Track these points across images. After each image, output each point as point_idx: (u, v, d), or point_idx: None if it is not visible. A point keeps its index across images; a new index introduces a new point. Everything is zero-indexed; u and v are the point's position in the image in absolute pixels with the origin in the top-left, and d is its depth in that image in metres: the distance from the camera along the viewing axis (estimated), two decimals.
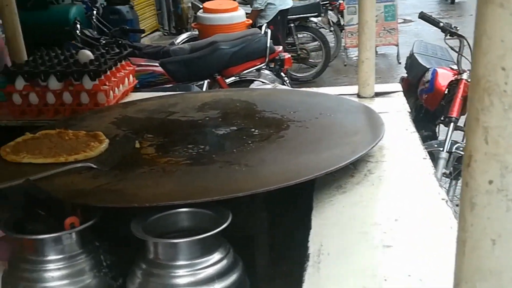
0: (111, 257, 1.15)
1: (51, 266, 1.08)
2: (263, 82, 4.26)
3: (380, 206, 1.25)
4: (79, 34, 4.96)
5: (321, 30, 7.53)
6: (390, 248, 1.06)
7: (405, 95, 2.25)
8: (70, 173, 1.35)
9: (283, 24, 6.93)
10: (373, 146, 1.42)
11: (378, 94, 2.02)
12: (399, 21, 8.48)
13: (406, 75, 4.48)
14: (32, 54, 2.17)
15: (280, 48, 4.81)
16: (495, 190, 0.46)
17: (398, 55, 7.85)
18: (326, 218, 1.21)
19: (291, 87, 5.19)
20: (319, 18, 7.52)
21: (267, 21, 6.47)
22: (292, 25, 7.23)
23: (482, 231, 0.47)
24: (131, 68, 2.29)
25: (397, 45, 7.86)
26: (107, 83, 2.02)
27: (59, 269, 1.08)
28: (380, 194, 1.30)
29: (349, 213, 1.22)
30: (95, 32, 5.42)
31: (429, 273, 0.97)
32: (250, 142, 1.52)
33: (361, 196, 1.29)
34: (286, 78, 4.77)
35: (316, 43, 7.47)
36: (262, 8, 6.62)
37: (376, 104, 1.86)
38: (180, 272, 1.05)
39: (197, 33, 6.31)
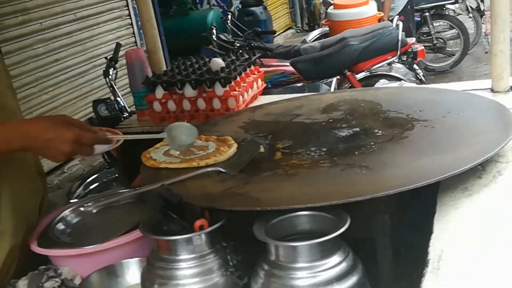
0: (237, 257, 1.22)
1: (183, 264, 1.18)
2: (391, 77, 4.17)
3: (509, 212, 1.19)
4: (215, 39, 5.20)
5: (459, 17, 7.16)
6: None
7: None
8: (201, 177, 1.45)
9: (413, 13, 6.69)
10: (503, 146, 1.35)
11: None
12: None
13: None
14: (175, 60, 2.34)
15: (413, 40, 4.68)
16: None
17: None
18: (449, 222, 1.18)
19: (426, 78, 5.02)
20: (457, 5, 7.15)
21: (396, 12, 6.29)
22: (427, 14, 6.96)
23: None
24: (260, 72, 2.37)
25: None
26: (237, 89, 2.12)
27: (190, 267, 1.17)
28: (510, 198, 1.24)
29: (474, 218, 1.18)
30: (230, 36, 5.64)
31: None
32: (373, 143, 1.52)
33: (488, 200, 1.24)
34: (419, 71, 4.61)
35: (453, 31, 7.12)
36: None
37: (510, 100, 1.76)
38: (300, 274, 1.09)
39: (328, 29, 6.31)
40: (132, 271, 1.46)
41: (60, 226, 1.61)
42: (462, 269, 1.01)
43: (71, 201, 2.44)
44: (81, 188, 3.47)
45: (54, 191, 4.53)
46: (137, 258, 1.47)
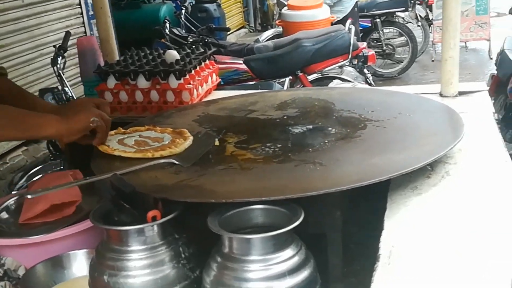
0: (189, 250, 1.21)
1: (134, 256, 1.15)
2: (343, 79, 4.24)
3: (456, 210, 1.23)
4: (168, 33, 5.15)
5: (408, 25, 7.36)
6: (463, 257, 1.04)
7: (494, 93, 2.17)
8: (154, 168, 1.43)
9: (358, 17, 6.83)
10: (451, 148, 1.40)
11: (461, 93, 1.97)
12: (492, 14, 8.11)
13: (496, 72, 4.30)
14: (124, 53, 2.29)
15: (364, 44, 4.77)
16: None
17: (489, 51, 7.53)
18: (399, 219, 1.21)
19: (375, 83, 5.12)
20: (407, 13, 7.34)
21: (344, 14, 6.40)
22: (378, 20, 7.12)
23: None
24: (215, 67, 2.36)
25: (488, 40, 7.53)
26: (191, 82, 2.10)
27: (141, 259, 1.15)
28: (457, 197, 1.28)
29: (423, 216, 1.21)
30: (183, 31, 5.60)
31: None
32: (326, 141, 1.54)
33: (437, 198, 1.28)
34: (369, 75, 4.71)
35: (402, 38, 7.31)
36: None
37: (458, 104, 1.82)
38: (253, 266, 1.09)
39: (281, 30, 6.36)
40: (79, 263, 1.42)
41: (4, 215, 1.55)
42: (412, 264, 1.04)
43: (13, 192, 2.36)
44: (23, 180, 3.35)
45: None
46: (85, 250, 1.43)
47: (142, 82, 2.11)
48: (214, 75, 2.34)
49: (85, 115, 1.48)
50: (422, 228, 1.16)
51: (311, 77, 4.55)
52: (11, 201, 1.60)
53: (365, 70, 4.76)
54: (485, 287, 0.95)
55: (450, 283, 0.97)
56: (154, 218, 1.16)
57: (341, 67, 4.57)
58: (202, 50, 2.32)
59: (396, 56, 7.40)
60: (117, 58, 2.43)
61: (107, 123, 1.53)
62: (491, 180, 1.34)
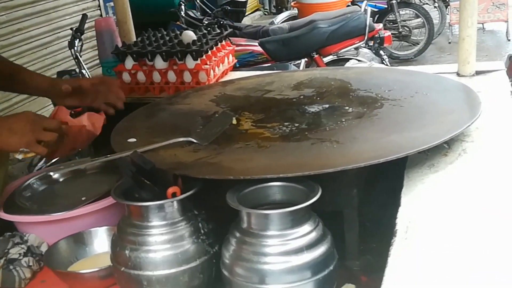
0: (208, 225, 1.23)
1: (154, 231, 1.18)
2: (359, 61, 4.22)
3: (472, 187, 1.24)
4: (183, 15, 5.15)
5: (425, 6, 7.26)
6: (478, 232, 1.05)
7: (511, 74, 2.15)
8: (172, 146, 1.45)
9: None
10: (468, 126, 1.40)
11: (479, 73, 1.96)
12: None
13: None
14: (140, 35, 2.31)
15: (380, 26, 4.73)
16: None
17: (507, 32, 7.42)
18: (416, 197, 1.22)
19: (391, 65, 5.09)
20: None
21: None
22: (394, 1, 7.03)
23: None
24: (231, 48, 2.37)
25: (506, 21, 7.41)
26: (208, 63, 2.12)
27: (161, 234, 1.18)
28: (473, 175, 1.29)
29: (440, 192, 1.22)
30: (198, 13, 5.60)
31: None
32: (343, 120, 1.55)
33: (453, 176, 1.29)
34: (385, 57, 4.68)
35: (419, 20, 7.22)
36: None
37: (475, 83, 1.81)
38: (271, 241, 1.11)
39: (297, 12, 6.32)
40: (100, 240, 1.46)
41: (27, 193, 1.59)
42: (429, 238, 1.05)
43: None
44: (42, 161, 3.40)
45: (14, 163, 4.43)
46: (106, 227, 1.47)
47: (160, 63, 2.13)
48: (230, 56, 2.35)
49: (16, 141, 1.33)
50: (439, 205, 1.17)
51: (327, 59, 4.53)
52: (33, 180, 1.63)
53: (381, 52, 4.73)
54: (498, 260, 0.96)
55: (465, 257, 0.98)
56: (174, 195, 1.18)
57: (357, 48, 4.54)
58: (219, 31, 2.33)
59: (412, 38, 7.31)
60: (134, 39, 2.45)
61: (61, 138, 1.40)
62: (508, 158, 1.34)
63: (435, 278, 0.94)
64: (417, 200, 1.20)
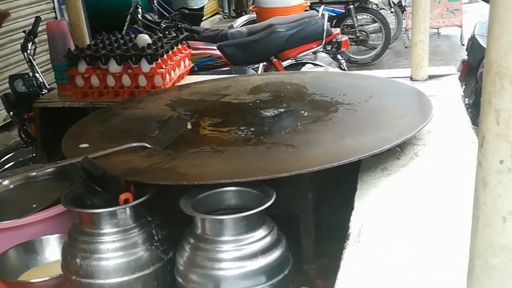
0: (162, 232, 1.21)
1: (107, 238, 1.15)
2: (316, 65, 4.25)
3: (424, 190, 1.26)
4: (141, 18, 5.09)
5: (382, 11, 7.39)
6: (429, 235, 1.07)
7: (465, 78, 2.20)
8: (126, 152, 1.43)
9: None
10: (420, 129, 1.42)
11: (431, 77, 2.00)
12: (464, 1, 8.19)
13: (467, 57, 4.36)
14: (93, 39, 2.27)
15: (338, 30, 4.78)
16: (506, 170, 0.48)
17: (461, 37, 7.61)
18: (369, 199, 1.23)
19: (349, 69, 5.15)
20: None
21: None
22: (351, 6, 7.13)
23: (494, 208, 0.49)
24: (187, 51, 2.35)
25: (460, 26, 7.61)
26: (164, 67, 2.09)
27: (113, 241, 1.15)
28: (425, 177, 1.31)
29: (393, 195, 1.23)
30: (156, 16, 5.54)
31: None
32: (298, 124, 1.55)
33: (406, 179, 1.30)
34: (342, 61, 4.73)
35: (376, 24, 7.33)
36: None
37: (428, 87, 1.85)
38: (226, 247, 1.10)
39: (255, 16, 6.34)
40: (52, 248, 1.42)
41: None
42: (381, 242, 1.06)
43: None
44: None
45: None
46: (57, 234, 1.43)
47: (114, 67, 2.09)
48: (186, 59, 2.33)
49: None
50: (391, 208, 1.19)
51: (285, 63, 4.54)
52: None
53: (339, 56, 4.77)
54: (450, 263, 0.98)
55: (416, 260, 0.99)
56: (126, 201, 1.16)
57: (315, 53, 4.57)
58: (174, 34, 2.31)
59: (369, 42, 7.42)
60: (88, 42, 2.40)
61: None
62: (458, 160, 1.37)
63: (386, 280, 0.95)
64: (370, 203, 1.21)
